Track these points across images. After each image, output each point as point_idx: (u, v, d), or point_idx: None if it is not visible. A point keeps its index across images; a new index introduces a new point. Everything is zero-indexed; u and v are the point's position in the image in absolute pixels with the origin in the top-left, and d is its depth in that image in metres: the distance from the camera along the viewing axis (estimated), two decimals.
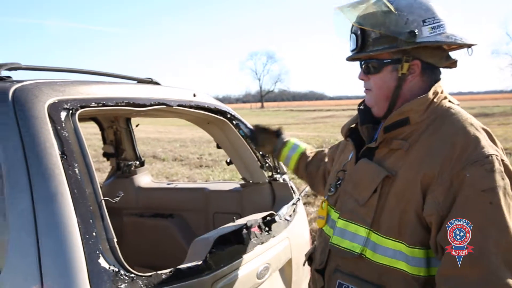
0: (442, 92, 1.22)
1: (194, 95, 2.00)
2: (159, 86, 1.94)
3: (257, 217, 1.80)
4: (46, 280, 1.06)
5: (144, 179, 3.07)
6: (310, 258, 1.49)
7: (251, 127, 2.09)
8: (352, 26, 1.25)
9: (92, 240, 1.13)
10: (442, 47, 1.22)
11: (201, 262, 1.41)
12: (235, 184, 2.67)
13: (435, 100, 1.19)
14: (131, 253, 2.63)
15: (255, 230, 1.71)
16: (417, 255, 1.11)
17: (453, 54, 1.26)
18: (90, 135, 11.30)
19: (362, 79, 1.29)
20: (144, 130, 17.53)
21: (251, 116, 37.22)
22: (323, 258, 1.34)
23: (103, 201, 1.22)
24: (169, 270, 1.31)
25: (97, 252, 1.13)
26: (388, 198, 1.17)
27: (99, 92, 1.50)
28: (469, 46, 1.21)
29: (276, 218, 1.83)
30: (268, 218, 1.82)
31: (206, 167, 9.10)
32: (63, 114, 1.29)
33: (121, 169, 3.04)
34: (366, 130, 1.34)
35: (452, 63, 1.26)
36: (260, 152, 2.23)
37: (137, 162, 3.06)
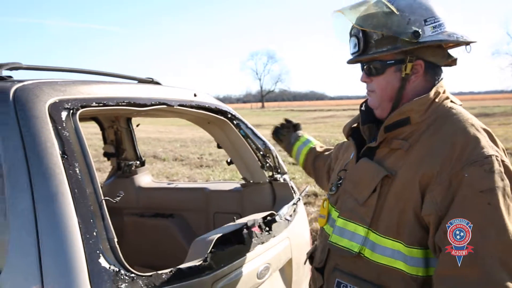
0: (444, 92, 1.21)
1: (195, 95, 2.00)
2: (159, 86, 1.94)
3: (258, 217, 1.80)
4: (46, 280, 1.06)
5: (144, 179, 3.07)
6: (311, 257, 1.50)
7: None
8: (352, 28, 1.24)
9: (93, 240, 1.13)
10: (442, 46, 1.22)
11: (201, 262, 1.41)
12: (235, 184, 2.67)
13: (436, 100, 1.19)
14: (132, 253, 2.63)
15: (256, 230, 1.71)
16: (415, 255, 1.11)
17: (452, 52, 1.26)
18: (91, 134, 11.32)
19: (364, 81, 1.28)
20: (145, 130, 17.54)
21: (251, 116, 37.19)
22: (323, 257, 1.34)
23: (103, 201, 1.22)
24: (169, 270, 1.31)
25: (98, 252, 1.13)
26: (387, 197, 1.16)
27: (100, 92, 1.50)
28: (468, 43, 1.21)
29: (277, 218, 1.83)
30: (268, 218, 1.82)
31: (206, 167, 9.10)
32: (64, 114, 1.29)
33: (121, 169, 3.05)
34: (368, 130, 1.34)
35: (452, 61, 1.27)
36: (261, 153, 2.24)
37: (138, 162, 3.07)
